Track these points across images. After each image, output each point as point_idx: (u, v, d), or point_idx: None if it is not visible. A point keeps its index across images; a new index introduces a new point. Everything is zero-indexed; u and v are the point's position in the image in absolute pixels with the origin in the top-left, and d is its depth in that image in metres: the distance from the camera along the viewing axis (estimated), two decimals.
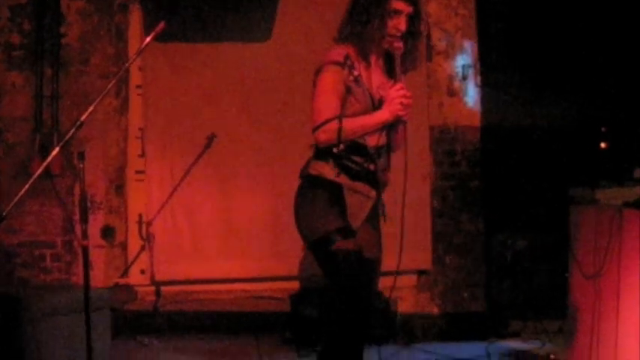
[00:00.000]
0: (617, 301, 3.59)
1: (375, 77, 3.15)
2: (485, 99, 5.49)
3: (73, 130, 2.87)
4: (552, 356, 4.42)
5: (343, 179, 3.07)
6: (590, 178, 4.05)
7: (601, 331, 3.69)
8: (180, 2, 5.27)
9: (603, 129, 4.82)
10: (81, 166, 2.96)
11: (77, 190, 5.04)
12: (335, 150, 3.05)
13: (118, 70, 5.13)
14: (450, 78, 5.52)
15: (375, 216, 3.17)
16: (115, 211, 5.34)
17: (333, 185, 3.07)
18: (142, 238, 5.32)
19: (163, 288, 5.25)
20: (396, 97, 3.05)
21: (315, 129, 3.06)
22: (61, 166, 5.08)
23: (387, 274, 3.30)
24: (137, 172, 5.39)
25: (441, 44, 5.52)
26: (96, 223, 5.20)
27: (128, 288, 5.31)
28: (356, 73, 3.06)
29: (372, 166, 3.12)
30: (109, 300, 4.14)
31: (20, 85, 5.20)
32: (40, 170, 2.88)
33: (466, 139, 5.51)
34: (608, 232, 3.63)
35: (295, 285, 5.23)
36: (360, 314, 3.02)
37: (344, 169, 3.08)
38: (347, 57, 3.06)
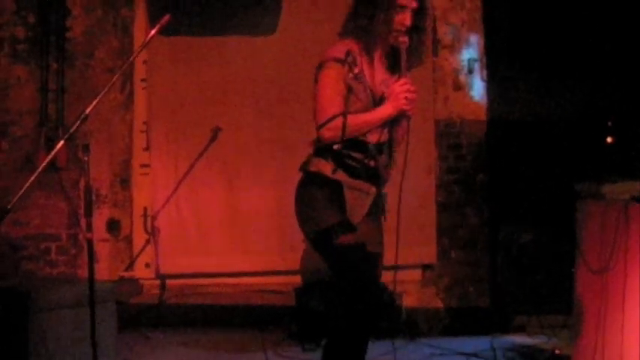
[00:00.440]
0: (624, 296, 3.57)
1: (377, 73, 3.14)
2: (490, 93, 5.48)
3: (78, 123, 2.87)
4: (557, 351, 4.41)
5: (341, 176, 3.06)
6: (597, 172, 4.03)
7: (607, 325, 3.68)
8: None
9: (610, 123, 4.79)
10: (86, 159, 2.96)
11: (82, 184, 5.04)
12: (335, 147, 3.05)
13: (123, 63, 5.14)
14: (456, 72, 5.51)
15: (375, 212, 3.17)
16: (120, 204, 5.35)
17: (332, 182, 3.06)
18: (147, 231, 5.33)
19: (168, 281, 5.26)
20: (400, 92, 3.04)
21: (320, 126, 3.05)
22: (67, 160, 5.09)
23: (391, 268, 3.30)
24: (142, 165, 5.40)
25: (446, 38, 5.50)
26: (101, 216, 5.22)
27: (133, 281, 5.32)
28: (357, 70, 3.05)
29: (372, 163, 3.12)
30: (114, 293, 4.14)
31: (25, 78, 5.21)
32: (45, 163, 2.88)
33: (472, 133, 5.49)
34: (615, 226, 3.62)
35: (300, 279, 5.23)
36: (367, 307, 3.01)
37: (343, 166, 3.07)
38: (348, 53, 3.04)
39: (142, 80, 5.39)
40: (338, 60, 3.05)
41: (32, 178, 2.80)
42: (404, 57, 3.07)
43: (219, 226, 5.29)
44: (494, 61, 5.44)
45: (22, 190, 2.79)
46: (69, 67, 5.22)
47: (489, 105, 5.49)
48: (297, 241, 4.98)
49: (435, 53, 5.44)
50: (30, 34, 5.21)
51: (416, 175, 4.90)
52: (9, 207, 2.81)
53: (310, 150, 3.19)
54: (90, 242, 3.00)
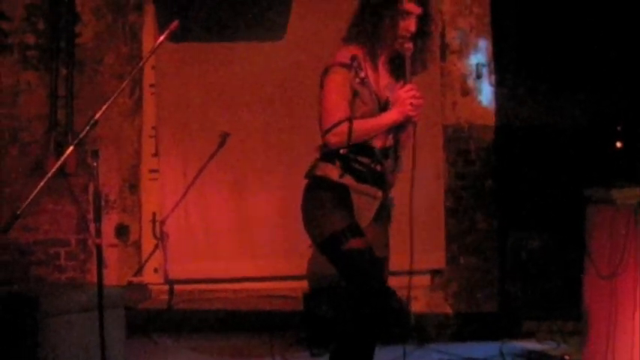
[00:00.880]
0: (634, 302, 3.56)
1: (382, 78, 3.16)
2: (499, 98, 5.47)
3: (87, 128, 2.88)
4: (567, 357, 4.39)
5: (348, 180, 3.07)
6: (606, 177, 4.02)
7: (617, 331, 3.66)
8: (194, 2, 5.28)
9: (618, 128, 4.78)
10: (95, 164, 2.97)
11: (91, 189, 5.05)
12: (342, 151, 3.05)
13: (132, 69, 5.15)
14: (464, 77, 5.50)
15: (382, 216, 3.17)
16: (129, 209, 5.36)
17: (339, 186, 3.07)
18: (155, 236, 5.34)
19: (177, 286, 5.27)
20: (406, 97, 3.05)
21: (326, 132, 3.06)
22: (76, 165, 5.10)
23: (399, 273, 3.29)
24: (151, 170, 5.41)
25: (455, 43, 5.49)
26: (110, 221, 5.23)
27: (142, 286, 5.33)
28: (362, 74, 3.06)
29: (378, 167, 3.12)
30: (122, 298, 4.15)
31: (35, 84, 5.23)
32: (54, 169, 2.89)
33: (480, 138, 5.48)
34: (624, 231, 3.60)
35: (308, 284, 5.22)
36: (375, 311, 3.01)
37: (350, 170, 3.08)
38: (354, 58, 3.06)
39: (151, 86, 5.41)
40: (344, 65, 3.06)
41: (42, 183, 2.81)
42: (408, 63, 3.08)
43: (228, 231, 5.30)
44: (502, 66, 5.44)
45: (32, 196, 2.80)
46: (78, 73, 5.24)
47: (498, 110, 5.48)
48: (305, 247, 4.95)
49: (443, 58, 5.44)
50: (40, 40, 5.23)
51: (424, 181, 4.88)
52: (18, 212, 2.82)
53: (317, 155, 3.20)
54: (99, 247, 3.00)
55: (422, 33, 3.13)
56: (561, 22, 5.17)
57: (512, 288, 5.30)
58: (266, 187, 5.30)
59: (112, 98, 2.91)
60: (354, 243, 3.01)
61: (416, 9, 3.10)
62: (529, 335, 5.02)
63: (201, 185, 5.26)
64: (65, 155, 2.92)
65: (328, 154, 3.11)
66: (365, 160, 3.10)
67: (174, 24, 2.94)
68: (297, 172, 3.39)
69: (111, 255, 5.18)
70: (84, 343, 3.82)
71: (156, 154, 5.38)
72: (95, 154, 3.01)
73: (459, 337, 5.20)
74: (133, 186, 5.37)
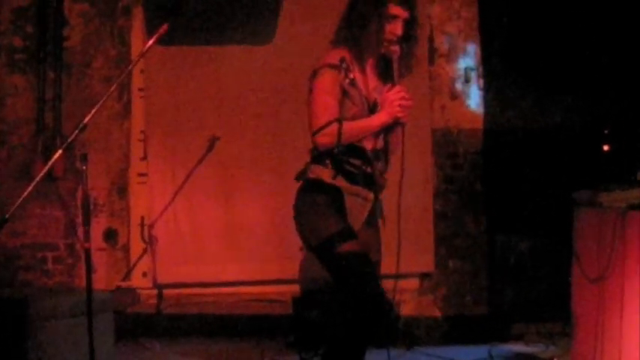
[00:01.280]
0: (621, 304, 3.57)
1: (370, 81, 3.18)
2: (487, 102, 5.49)
3: (75, 133, 2.86)
4: (556, 359, 4.41)
5: (341, 182, 3.08)
6: (594, 180, 4.04)
7: (605, 334, 3.68)
8: (182, 5, 5.27)
9: (606, 131, 4.80)
10: (84, 168, 2.97)
11: (80, 193, 5.04)
12: (335, 150, 3.05)
13: (120, 73, 5.14)
14: (453, 81, 5.52)
15: (373, 219, 3.17)
16: (118, 213, 5.34)
17: (332, 188, 3.07)
18: (144, 240, 5.32)
19: (165, 291, 5.25)
20: (394, 99, 3.07)
21: (315, 133, 3.07)
22: (64, 169, 5.08)
23: (387, 276, 3.29)
24: (139, 174, 5.39)
25: (443, 47, 5.51)
26: (98, 225, 5.20)
27: (130, 291, 5.31)
28: (352, 75, 3.07)
29: (369, 169, 3.13)
30: (111, 303, 4.14)
31: (22, 87, 5.21)
32: (42, 173, 2.87)
33: (468, 142, 5.50)
34: (612, 235, 3.62)
35: (298, 288, 5.22)
36: (370, 314, 3.01)
37: (342, 172, 3.08)
38: (342, 60, 3.07)
39: (140, 89, 5.39)
40: (333, 66, 3.07)
41: (30, 187, 2.79)
42: (396, 66, 3.10)
43: (217, 235, 5.29)
44: (490, 70, 5.45)
45: (20, 200, 2.79)
46: (66, 77, 5.22)
47: (486, 114, 5.49)
48: (294, 250, 4.97)
49: (432, 62, 5.45)
50: (27, 43, 5.21)
51: (413, 184, 4.89)
52: (6, 216, 2.80)
53: (307, 159, 3.20)
54: (87, 252, 2.99)
55: (408, 37, 3.15)
56: (550, 26, 5.19)
57: (501, 291, 5.31)
58: (255, 191, 5.29)
59: (101, 102, 2.90)
60: (350, 246, 3.01)
61: (402, 13, 3.11)
62: (518, 338, 5.04)
63: (190, 189, 5.25)
64: (53, 159, 2.91)
65: (319, 156, 3.11)
66: (356, 161, 3.11)
67: (163, 28, 2.93)
68: (287, 176, 3.40)
69: (99, 259, 5.16)
70: (72, 348, 3.81)
71: (144, 158, 5.36)
72: (84, 158, 3.01)
73: (448, 340, 5.21)
74: (122, 190, 5.35)
